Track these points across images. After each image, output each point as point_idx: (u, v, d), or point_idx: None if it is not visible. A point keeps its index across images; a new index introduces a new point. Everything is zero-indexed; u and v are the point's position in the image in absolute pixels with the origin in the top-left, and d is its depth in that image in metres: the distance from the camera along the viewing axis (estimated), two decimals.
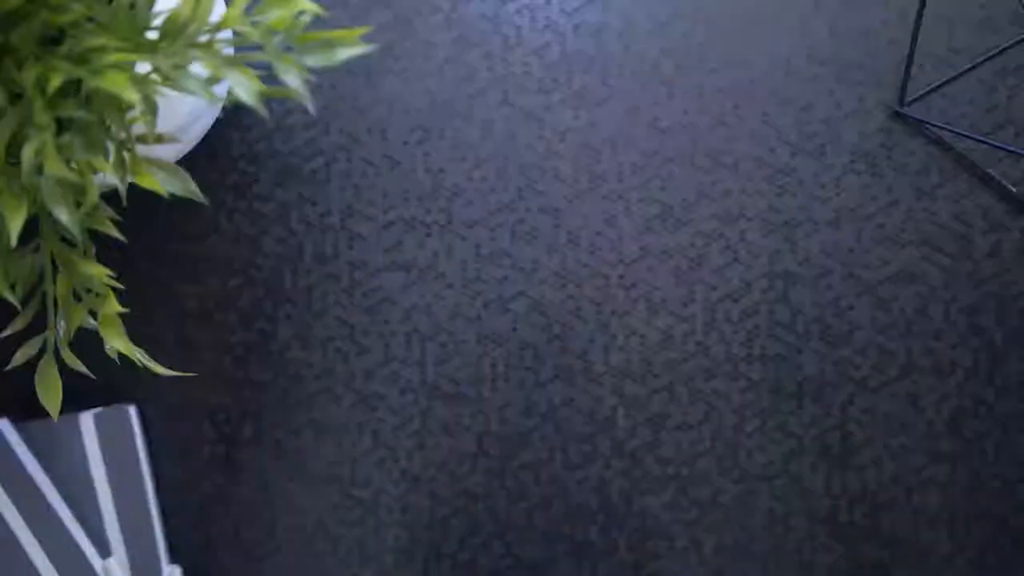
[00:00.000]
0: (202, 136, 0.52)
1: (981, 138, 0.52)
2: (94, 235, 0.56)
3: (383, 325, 0.55)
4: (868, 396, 0.55)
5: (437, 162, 0.55)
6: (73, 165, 0.38)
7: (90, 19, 0.37)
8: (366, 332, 0.55)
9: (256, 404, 0.56)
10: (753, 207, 0.55)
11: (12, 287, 0.52)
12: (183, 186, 0.39)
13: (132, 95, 0.33)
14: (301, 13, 0.56)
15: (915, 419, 0.55)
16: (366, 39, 0.56)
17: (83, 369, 0.44)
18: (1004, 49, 0.54)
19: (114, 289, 0.56)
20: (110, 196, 0.56)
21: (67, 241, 0.54)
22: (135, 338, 0.56)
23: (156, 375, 0.56)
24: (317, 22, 0.56)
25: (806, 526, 0.55)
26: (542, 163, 0.55)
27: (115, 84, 0.33)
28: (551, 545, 0.55)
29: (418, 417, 0.55)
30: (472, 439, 0.55)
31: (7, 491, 0.53)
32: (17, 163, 0.37)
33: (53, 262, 0.56)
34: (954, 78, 0.54)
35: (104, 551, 0.54)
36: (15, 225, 0.35)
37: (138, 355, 0.44)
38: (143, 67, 0.46)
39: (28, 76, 0.34)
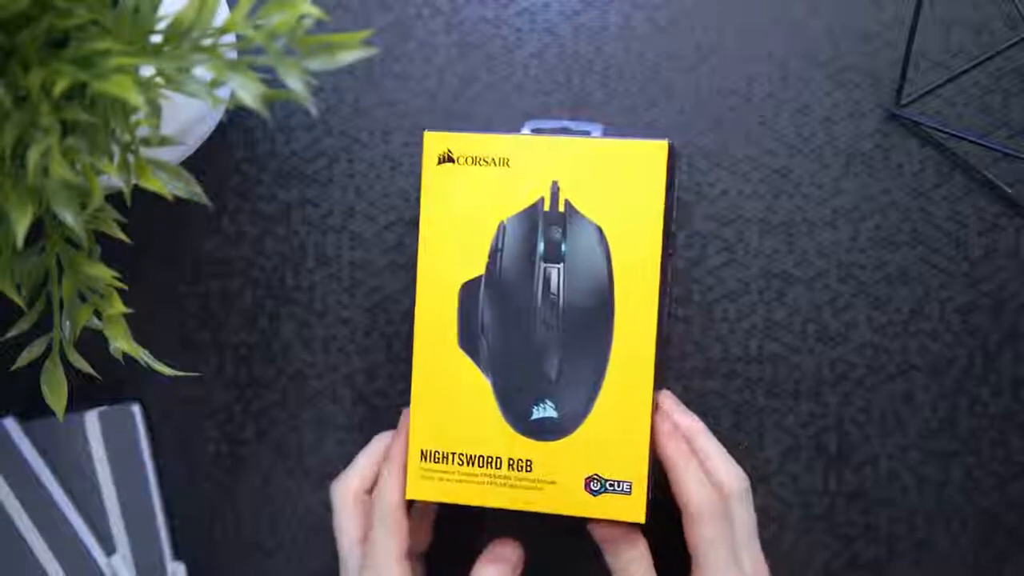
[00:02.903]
0: (205, 138, 0.52)
1: (977, 139, 0.52)
2: (99, 236, 0.56)
3: (384, 325, 0.56)
4: (864, 395, 0.55)
5: None
6: (78, 167, 0.39)
7: (95, 23, 0.37)
8: (367, 332, 0.56)
9: (258, 403, 0.56)
10: (750, 208, 0.55)
11: (18, 288, 0.53)
12: (186, 188, 0.40)
13: (136, 98, 0.33)
14: (303, 17, 0.56)
15: (911, 418, 0.55)
16: (367, 42, 0.56)
17: (88, 369, 0.45)
18: (1000, 51, 0.54)
19: (118, 290, 0.56)
20: (114, 198, 0.56)
21: (72, 242, 0.54)
22: (139, 338, 0.56)
23: (160, 375, 0.56)
24: (319, 25, 0.56)
25: (803, 524, 0.55)
26: None
27: (119, 87, 0.33)
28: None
29: None
30: None
31: (13, 489, 0.54)
32: (23, 165, 0.37)
33: (58, 263, 0.56)
34: (950, 80, 0.54)
35: (109, 548, 0.54)
36: (21, 226, 0.35)
37: (142, 355, 0.44)
38: (147, 70, 0.47)
39: (34, 79, 0.34)
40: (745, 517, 0.49)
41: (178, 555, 0.56)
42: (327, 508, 0.56)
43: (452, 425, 0.49)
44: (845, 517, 0.55)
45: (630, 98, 0.56)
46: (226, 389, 0.56)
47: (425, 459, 0.49)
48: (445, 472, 0.49)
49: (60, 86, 0.34)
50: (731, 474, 0.50)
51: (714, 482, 0.50)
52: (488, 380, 0.49)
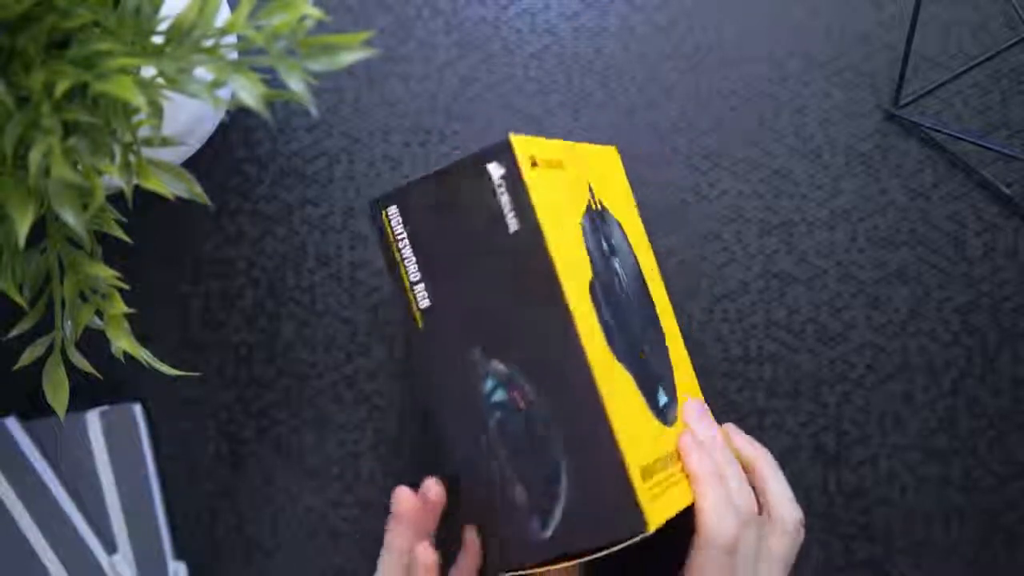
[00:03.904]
0: (206, 139, 0.52)
1: (975, 140, 0.52)
2: (100, 236, 0.56)
3: (385, 325, 0.56)
4: (863, 394, 0.55)
5: (438, 164, 0.56)
6: (79, 168, 0.39)
7: (96, 24, 0.37)
8: (368, 331, 0.56)
9: (259, 402, 0.56)
10: (750, 208, 0.56)
11: (20, 288, 0.53)
12: (188, 188, 0.40)
13: (137, 99, 0.33)
14: (304, 18, 0.56)
15: (909, 417, 0.55)
16: (368, 43, 0.56)
17: (89, 368, 0.45)
18: (998, 52, 0.54)
19: (120, 289, 0.56)
20: (116, 198, 0.56)
21: (74, 242, 0.54)
22: (140, 338, 0.56)
23: (161, 374, 0.56)
24: (320, 26, 0.56)
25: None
26: None
27: (121, 88, 0.34)
28: None
29: (420, 415, 0.56)
30: None
31: (15, 488, 0.54)
32: (25, 166, 0.37)
33: (60, 263, 0.57)
34: (948, 81, 0.55)
35: (110, 548, 0.54)
36: (22, 226, 0.35)
37: (143, 355, 0.44)
38: (148, 71, 0.47)
39: (35, 80, 0.34)
40: (781, 549, 0.48)
41: (179, 554, 0.56)
42: (328, 507, 0.56)
43: (641, 434, 0.45)
44: (844, 516, 0.55)
45: (629, 99, 0.56)
46: (227, 389, 0.56)
47: (645, 477, 0.44)
48: (658, 484, 0.45)
49: (62, 87, 0.34)
50: (788, 505, 0.48)
51: (767, 502, 0.48)
52: (632, 378, 0.46)
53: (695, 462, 0.46)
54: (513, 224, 0.44)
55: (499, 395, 0.46)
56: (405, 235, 0.46)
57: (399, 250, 0.46)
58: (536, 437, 0.45)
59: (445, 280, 0.46)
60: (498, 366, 0.45)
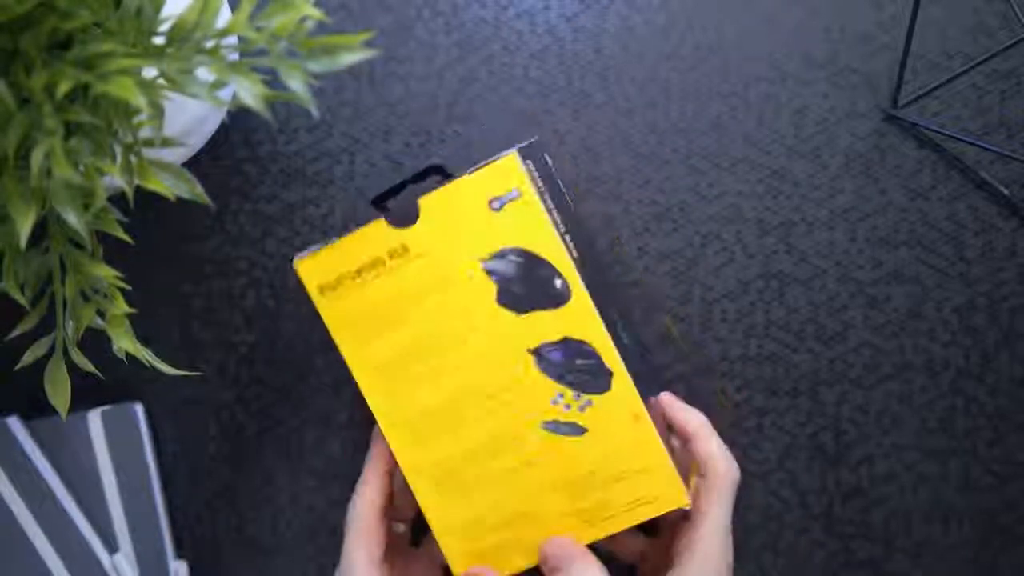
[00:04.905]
0: (207, 139, 0.52)
1: (973, 140, 0.52)
2: (102, 236, 0.56)
3: None
4: (862, 394, 0.55)
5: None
6: (81, 168, 0.39)
7: (97, 25, 0.38)
8: None
9: (260, 402, 0.56)
10: (749, 208, 0.56)
11: (22, 288, 0.53)
12: (189, 188, 0.40)
13: (139, 100, 0.33)
14: (304, 19, 0.57)
15: (908, 417, 0.55)
16: (369, 44, 0.56)
17: (91, 368, 0.45)
18: (996, 53, 0.54)
19: (121, 289, 0.56)
20: (117, 198, 0.56)
21: (75, 242, 0.54)
22: (142, 337, 0.56)
23: (163, 374, 0.56)
24: (320, 27, 0.56)
25: (801, 522, 0.55)
26: None
27: (122, 89, 0.34)
28: None
29: None
30: None
31: (17, 487, 0.54)
32: (26, 166, 0.38)
33: (62, 263, 0.57)
34: (947, 81, 0.55)
35: (112, 547, 0.55)
36: (24, 227, 0.35)
37: (145, 354, 0.44)
38: (150, 72, 0.47)
39: (37, 81, 0.35)
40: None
41: (180, 553, 0.56)
42: (329, 506, 0.56)
43: None
44: (843, 516, 0.55)
45: (629, 99, 0.56)
46: (228, 388, 0.56)
47: None
48: None
49: (63, 88, 0.34)
50: (733, 464, 0.49)
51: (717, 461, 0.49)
52: None
53: (689, 416, 0.49)
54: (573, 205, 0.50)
55: (628, 337, 0.51)
56: (544, 188, 0.49)
57: (542, 194, 0.49)
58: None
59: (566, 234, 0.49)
60: (613, 313, 0.50)
